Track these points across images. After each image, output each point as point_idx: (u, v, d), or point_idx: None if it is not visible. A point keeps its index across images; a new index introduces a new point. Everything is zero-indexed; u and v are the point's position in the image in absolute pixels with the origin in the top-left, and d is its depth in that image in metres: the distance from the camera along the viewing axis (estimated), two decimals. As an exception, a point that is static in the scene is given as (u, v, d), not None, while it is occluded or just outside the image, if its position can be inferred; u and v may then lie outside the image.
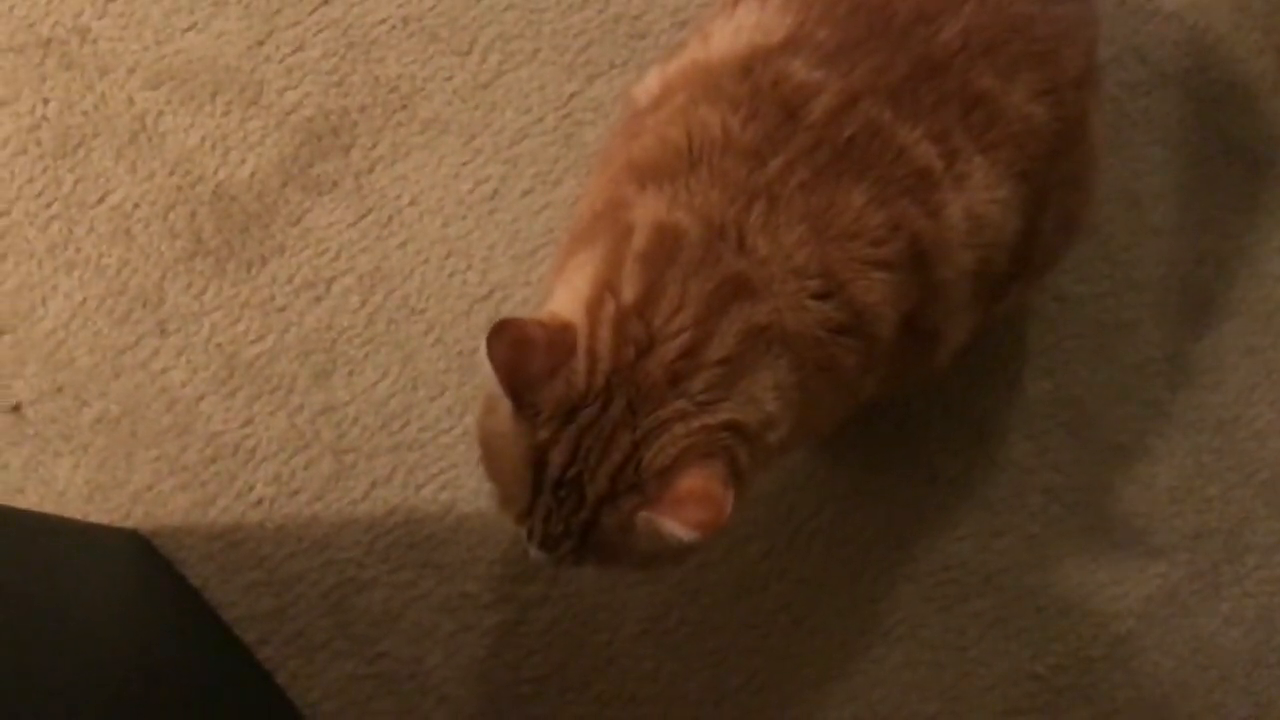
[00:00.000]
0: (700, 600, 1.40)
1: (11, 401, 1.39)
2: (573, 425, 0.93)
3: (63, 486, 1.37)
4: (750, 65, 1.06)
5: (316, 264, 1.43)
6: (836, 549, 1.42)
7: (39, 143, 1.43)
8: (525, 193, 1.46)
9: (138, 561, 1.34)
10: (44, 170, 1.42)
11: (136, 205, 1.43)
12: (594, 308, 0.96)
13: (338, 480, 1.39)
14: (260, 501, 1.38)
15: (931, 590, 1.43)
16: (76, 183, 1.43)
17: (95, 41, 1.45)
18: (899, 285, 1.03)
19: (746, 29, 1.10)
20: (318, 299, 1.42)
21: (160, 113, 1.44)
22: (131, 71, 1.45)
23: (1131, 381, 1.48)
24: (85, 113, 1.44)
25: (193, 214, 1.43)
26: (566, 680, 1.38)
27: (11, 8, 1.45)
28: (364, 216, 1.44)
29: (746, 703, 1.40)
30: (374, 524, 1.39)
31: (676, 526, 0.91)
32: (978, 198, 1.06)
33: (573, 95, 1.48)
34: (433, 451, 1.40)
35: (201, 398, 1.40)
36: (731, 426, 0.95)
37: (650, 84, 1.17)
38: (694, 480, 0.92)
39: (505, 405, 0.94)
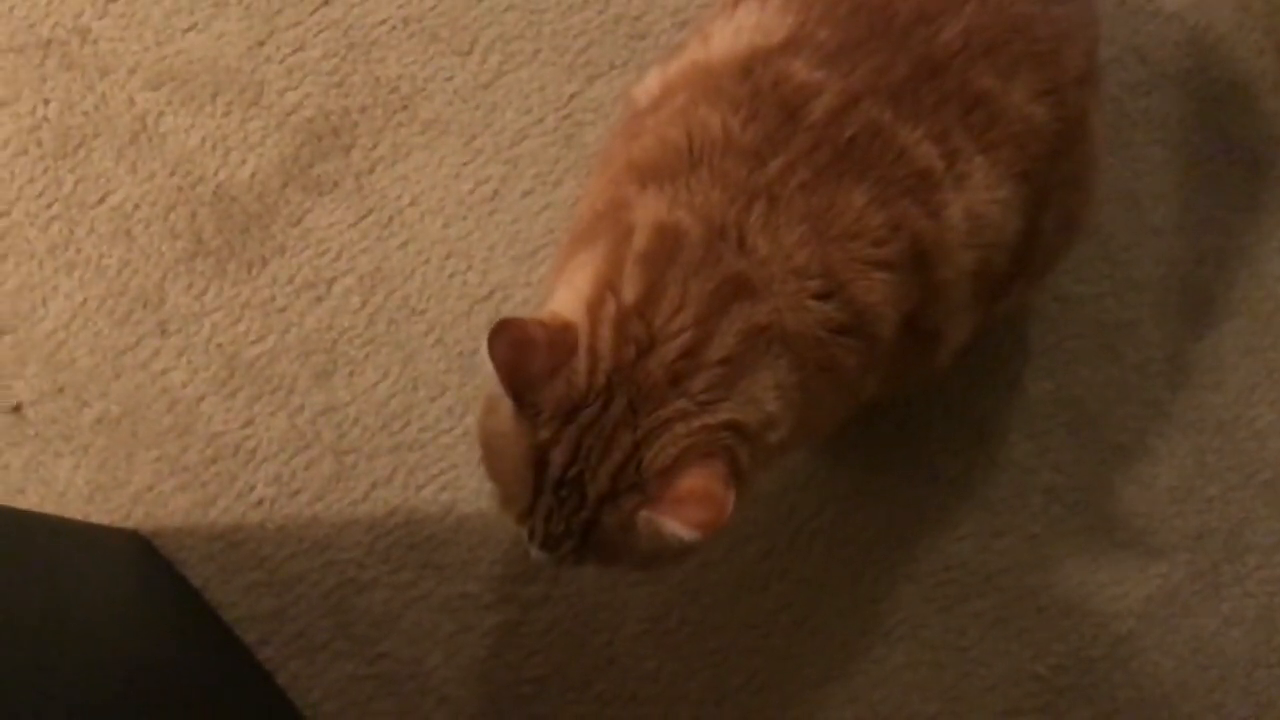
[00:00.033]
0: (701, 600, 1.40)
1: (12, 402, 1.39)
2: (574, 425, 0.93)
3: (63, 487, 1.38)
4: (751, 66, 1.06)
5: (317, 264, 1.43)
6: (837, 549, 1.42)
7: (39, 143, 1.43)
8: (526, 193, 1.46)
9: (138, 562, 1.34)
10: (44, 171, 1.43)
11: (137, 206, 1.43)
12: (595, 307, 0.96)
13: (338, 481, 1.39)
14: (261, 502, 1.38)
15: (932, 590, 1.43)
16: (77, 183, 1.43)
17: (96, 42, 1.45)
18: (900, 285, 1.03)
19: (747, 29, 1.10)
20: (318, 299, 1.42)
21: (161, 113, 1.44)
22: (132, 72, 1.45)
23: (1132, 381, 1.48)
24: (86, 113, 1.44)
25: (193, 214, 1.43)
26: (567, 680, 1.38)
27: (12, 8, 1.45)
28: (365, 217, 1.44)
29: (747, 703, 1.40)
30: (375, 524, 1.39)
31: (677, 526, 0.91)
32: (978, 198, 1.06)
33: (573, 96, 1.48)
34: (433, 452, 1.40)
35: (202, 398, 1.40)
36: (732, 426, 0.95)
37: (650, 85, 1.17)
38: (695, 480, 0.92)
39: (506, 405, 0.94)
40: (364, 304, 1.43)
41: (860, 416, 1.19)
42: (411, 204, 1.45)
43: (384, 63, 1.47)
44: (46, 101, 1.44)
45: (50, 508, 1.37)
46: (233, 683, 1.33)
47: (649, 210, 1.00)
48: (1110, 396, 1.47)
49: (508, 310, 1.43)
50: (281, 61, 1.46)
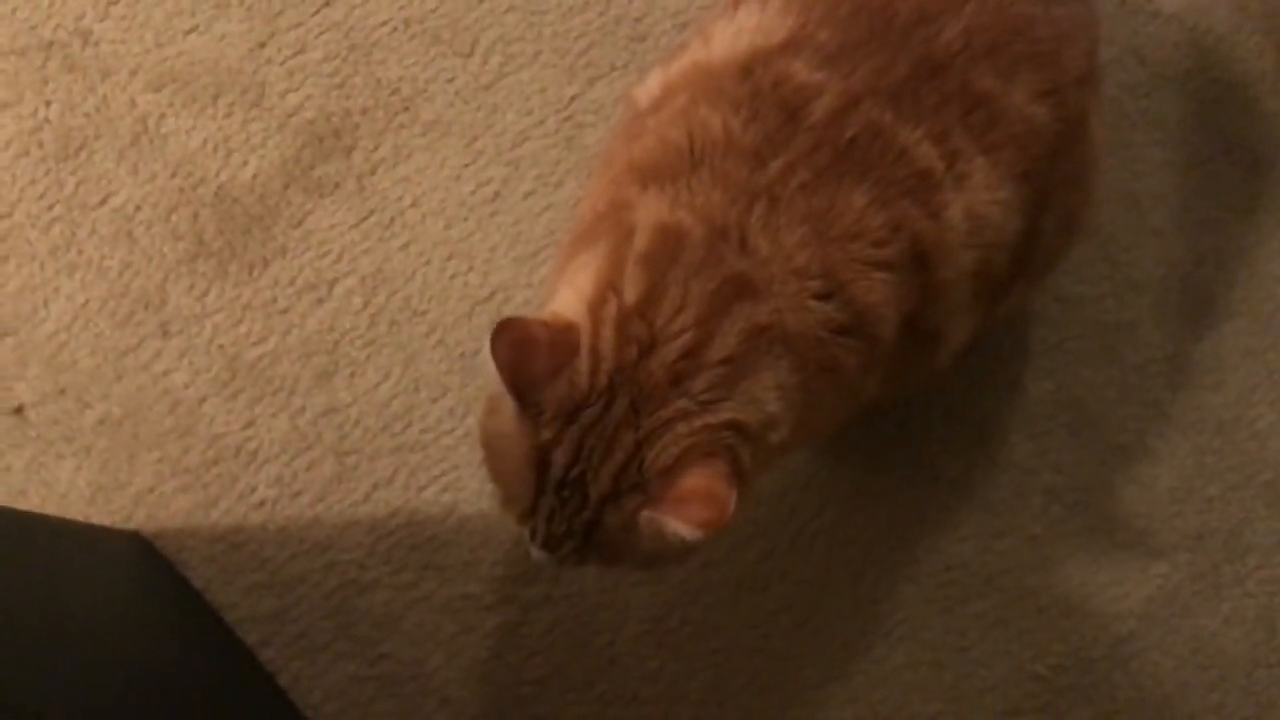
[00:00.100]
0: (702, 601, 1.40)
1: (14, 403, 1.39)
2: (575, 425, 0.94)
3: (65, 488, 1.38)
4: (751, 67, 1.06)
5: (318, 266, 1.43)
6: (838, 550, 1.42)
7: (41, 145, 1.43)
8: (527, 194, 1.46)
9: (140, 563, 1.34)
10: (46, 172, 1.43)
11: (138, 207, 1.43)
12: (597, 308, 0.96)
13: (340, 482, 1.39)
14: (262, 503, 1.39)
15: (933, 591, 1.43)
16: (78, 185, 1.43)
17: (97, 44, 1.45)
18: (900, 286, 1.03)
19: (747, 31, 1.10)
20: (320, 301, 1.43)
21: (162, 115, 1.45)
22: (133, 74, 1.45)
23: (1132, 382, 1.48)
24: (87, 115, 1.44)
25: (195, 216, 1.43)
26: (569, 681, 1.38)
27: (14, 10, 1.45)
28: (366, 218, 1.44)
29: (749, 703, 1.40)
30: (376, 525, 1.39)
31: (680, 525, 0.91)
32: (979, 198, 1.06)
33: (574, 97, 1.48)
34: (434, 453, 1.40)
35: (203, 399, 1.40)
36: (733, 426, 0.95)
37: (651, 86, 1.17)
38: (697, 479, 0.92)
39: (508, 405, 0.95)
40: (365, 305, 1.43)
41: (861, 417, 1.19)
42: (413, 205, 1.45)
43: (385, 64, 1.47)
44: (48, 103, 1.44)
45: (52, 509, 1.37)
46: (234, 684, 1.33)
47: (650, 211, 1.01)
48: (1110, 397, 1.48)
49: (509, 311, 1.43)
50: (283, 63, 1.47)
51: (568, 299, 0.99)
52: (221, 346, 1.41)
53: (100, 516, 1.37)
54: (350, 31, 1.48)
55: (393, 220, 1.45)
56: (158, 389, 1.40)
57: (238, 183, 1.44)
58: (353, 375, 1.41)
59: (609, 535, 0.96)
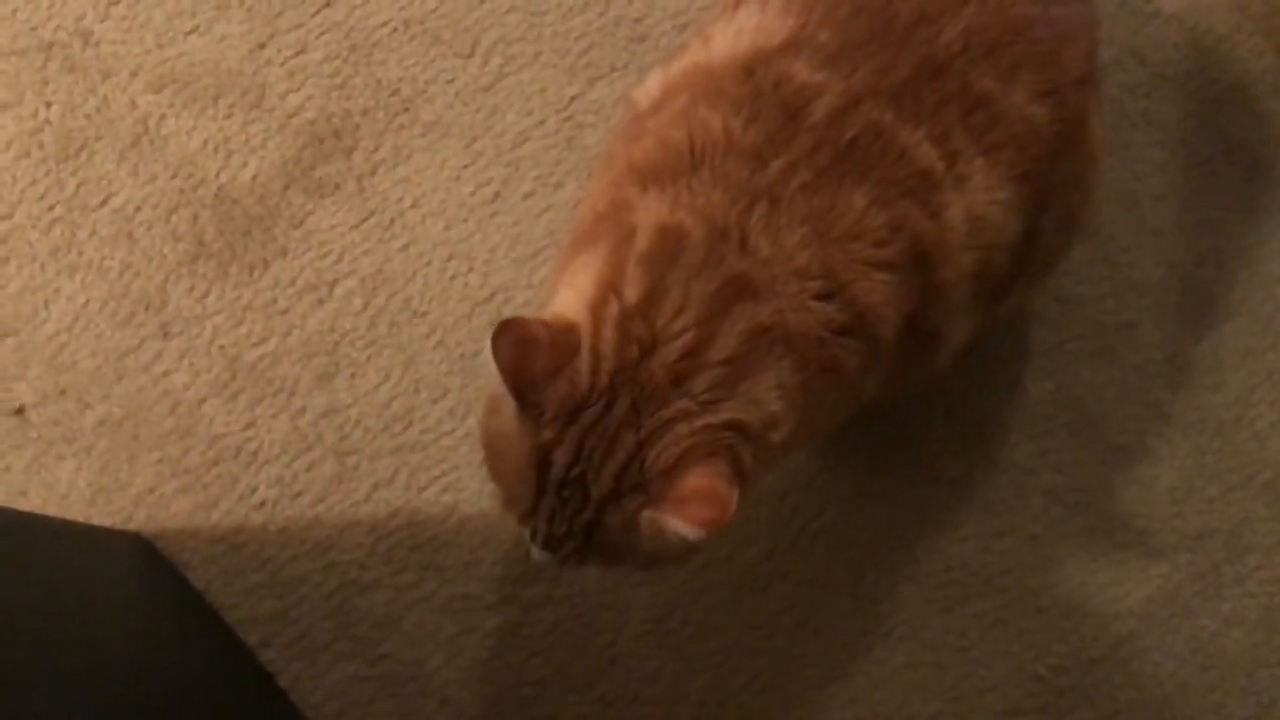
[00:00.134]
0: (703, 601, 1.40)
1: (14, 404, 1.39)
2: (576, 425, 0.94)
3: (65, 489, 1.38)
4: (752, 67, 1.06)
5: (319, 267, 1.43)
6: (839, 550, 1.42)
7: (41, 146, 1.43)
8: (527, 195, 1.46)
9: (140, 564, 1.34)
10: (46, 173, 1.43)
11: (139, 208, 1.43)
12: (597, 308, 0.96)
13: (340, 482, 1.39)
14: (263, 504, 1.39)
15: (933, 591, 1.43)
16: (79, 186, 1.43)
17: (97, 45, 1.45)
18: (901, 286, 1.03)
19: (748, 31, 1.10)
20: (320, 302, 1.43)
21: (162, 116, 1.45)
22: (134, 75, 1.45)
23: (1132, 382, 1.48)
24: (88, 116, 1.44)
25: (195, 217, 1.43)
26: (569, 681, 1.38)
27: (14, 11, 1.45)
28: (366, 219, 1.45)
29: (749, 704, 1.40)
30: (376, 526, 1.39)
31: (681, 525, 0.91)
32: (979, 199, 1.06)
33: (574, 98, 1.48)
34: (435, 453, 1.40)
35: (204, 400, 1.40)
36: (734, 426, 0.95)
37: (651, 86, 1.17)
38: (698, 479, 0.92)
39: (509, 405, 0.95)
40: (365, 306, 1.43)
41: (861, 417, 1.19)
42: (413, 206, 1.45)
43: (385, 65, 1.47)
44: (48, 104, 1.44)
45: (52, 510, 1.37)
46: (235, 684, 1.33)
47: (651, 211, 1.01)
48: (1110, 397, 1.48)
49: (509, 312, 1.42)
50: (283, 64, 1.47)
51: (568, 299, 0.99)
52: (222, 347, 1.41)
53: (101, 517, 1.37)
54: (350, 32, 1.48)
55: (393, 221, 1.45)
56: (158, 390, 1.40)
57: (238, 184, 1.44)
58: (353, 376, 1.41)
59: (610, 535, 0.96)
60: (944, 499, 1.44)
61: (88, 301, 1.41)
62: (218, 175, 1.44)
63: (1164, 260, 1.50)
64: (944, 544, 1.44)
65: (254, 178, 1.44)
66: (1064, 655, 1.43)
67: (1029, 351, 1.47)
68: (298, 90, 1.46)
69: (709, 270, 0.97)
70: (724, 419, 0.94)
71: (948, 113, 1.05)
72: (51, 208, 1.42)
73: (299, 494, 1.39)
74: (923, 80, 1.05)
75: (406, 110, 1.47)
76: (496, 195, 1.46)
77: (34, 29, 1.45)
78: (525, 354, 0.93)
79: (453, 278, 1.44)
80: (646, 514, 0.93)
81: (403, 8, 1.49)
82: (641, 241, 0.99)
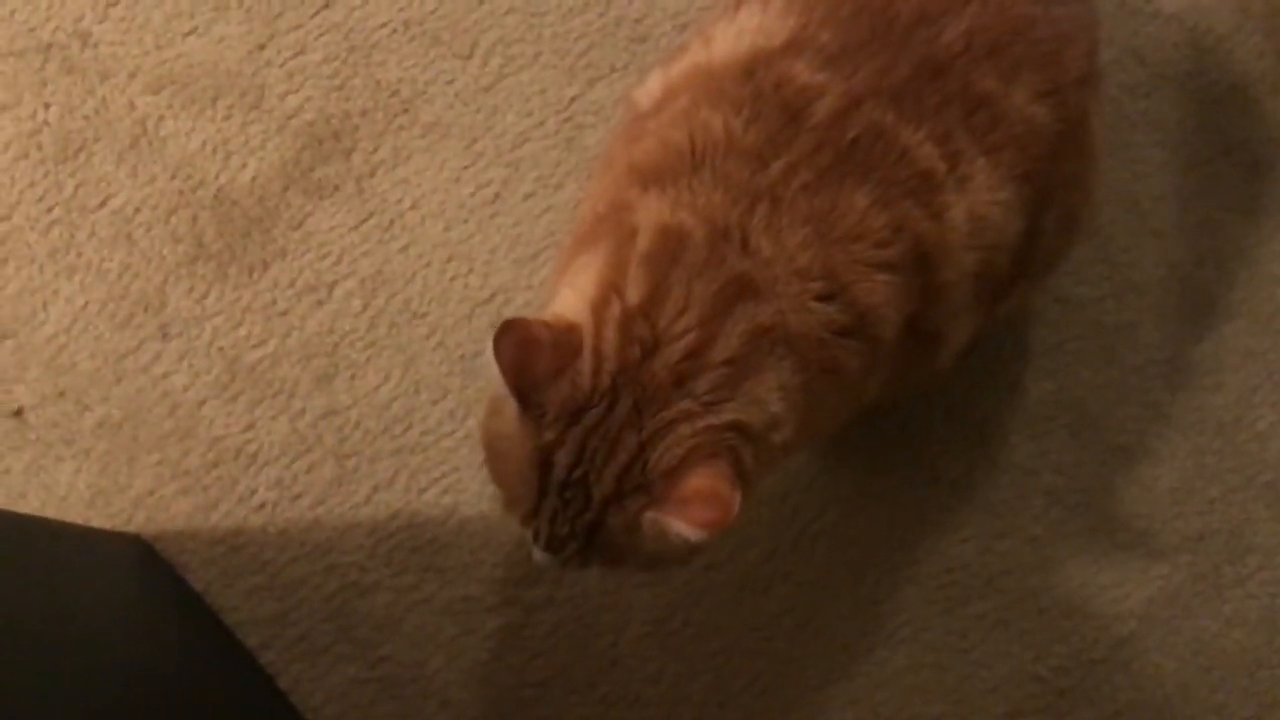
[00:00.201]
0: (704, 602, 1.40)
1: (13, 406, 1.38)
2: (578, 426, 0.93)
3: (64, 491, 1.37)
4: (753, 68, 1.06)
5: (318, 268, 1.43)
6: (840, 551, 1.42)
7: (40, 147, 1.43)
8: (527, 196, 1.46)
9: (139, 566, 1.34)
10: (45, 175, 1.42)
11: (138, 210, 1.43)
12: (599, 309, 0.96)
13: (340, 484, 1.39)
14: (262, 506, 1.38)
15: (934, 592, 1.43)
16: (78, 187, 1.43)
17: (96, 46, 1.45)
18: (902, 287, 1.03)
19: (749, 32, 1.10)
20: (319, 303, 1.42)
21: (161, 117, 1.44)
22: (132, 76, 1.45)
23: (1132, 383, 1.48)
24: (86, 117, 1.44)
25: (194, 218, 1.43)
26: (570, 683, 1.38)
27: (12, 12, 1.45)
28: (365, 220, 1.44)
29: (750, 705, 1.40)
30: (376, 528, 1.39)
31: (684, 526, 0.91)
32: (980, 199, 1.06)
33: (574, 99, 1.48)
34: (435, 455, 1.40)
35: (203, 402, 1.40)
36: (736, 427, 0.95)
37: (652, 87, 1.17)
38: (700, 480, 0.92)
39: (511, 406, 0.94)
40: (365, 307, 1.42)
41: (862, 418, 1.19)
42: (412, 207, 1.45)
43: (385, 66, 1.47)
44: (47, 105, 1.44)
45: (51, 512, 1.37)
46: (234, 687, 1.33)
47: (652, 212, 1.01)
48: (1111, 398, 1.48)
49: (509, 313, 1.42)
50: (282, 65, 1.46)
51: (570, 300, 0.99)
52: (221, 349, 1.41)
53: (100, 519, 1.37)
54: (350, 33, 1.48)
55: (392, 222, 1.45)
56: (157, 391, 1.39)
57: (237, 185, 1.44)
58: (353, 378, 1.41)
59: (612, 537, 0.96)
60: (945, 500, 1.44)
61: (87, 303, 1.40)
62: (217, 176, 1.44)
63: (1164, 261, 1.50)
64: (945, 545, 1.44)
65: (253, 179, 1.44)
66: (1065, 656, 1.43)
67: (1029, 352, 1.47)
68: (297, 91, 1.46)
69: (710, 271, 0.97)
70: (726, 420, 0.94)
71: (949, 113, 1.05)
72: (50, 209, 1.42)
73: (299, 496, 1.39)
74: (924, 80, 1.05)
75: (406, 111, 1.46)
76: (496, 196, 1.46)
77: (32, 30, 1.45)
78: (527, 355, 0.93)
79: (452, 279, 1.44)
80: (649, 515, 0.93)
81: (402, 9, 1.48)
82: (643, 242, 0.99)
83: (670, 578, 1.39)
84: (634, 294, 0.96)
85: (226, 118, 1.45)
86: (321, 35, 1.47)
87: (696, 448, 0.93)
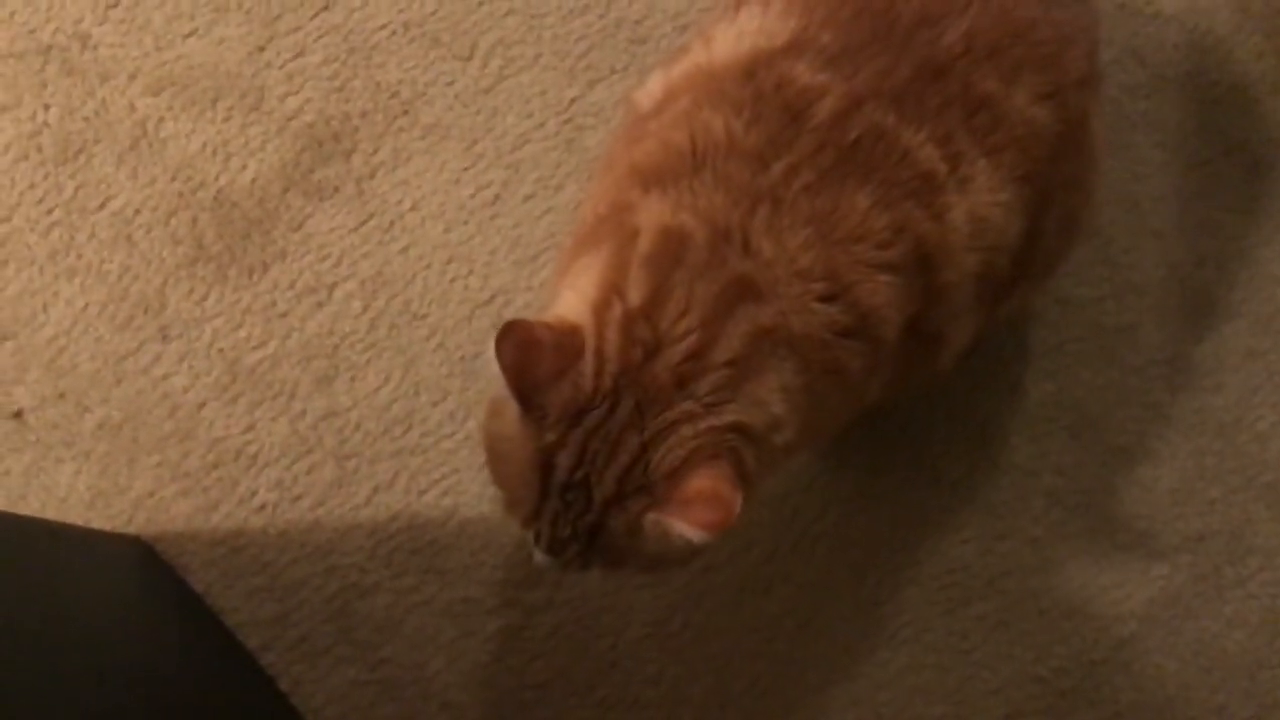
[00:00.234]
0: (704, 604, 1.40)
1: (13, 408, 1.38)
2: (580, 428, 0.93)
3: (64, 493, 1.37)
4: (753, 69, 1.06)
5: (318, 269, 1.43)
6: (840, 552, 1.42)
7: (40, 149, 1.43)
8: (527, 198, 1.46)
9: (140, 568, 1.34)
10: (45, 176, 1.42)
11: (138, 211, 1.43)
12: (601, 310, 0.96)
13: (340, 486, 1.39)
14: (262, 507, 1.38)
15: (935, 593, 1.43)
16: (77, 189, 1.42)
17: (96, 48, 1.45)
18: (903, 288, 1.03)
19: (749, 33, 1.10)
20: (319, 304, 1.42)
21: (161, 119, 1.44)
22: (132, 78, 1.45)
23: (1133, 384, 1.48)
24: (86, 119, 1.44)
25: (194, 220, 1.43)
26: (570, 685, 1.38)
27: (12, 14, 1.45)
28: (365, 222, 1.44)
29: (750, 706, 1.40)
30: (376, 529, 1.38)
31: (686, 528, 0.91)
32: (981, 201, 1.06)
33: (574, 100, 1.48)
34: (435, 456, 1.40)
35: (203, 404, 1.39)
36: (738, 428, 0.95)
37: (653, 88, 1.17)
38: (702, 481, 0.92)
39: (512, 408, 0.94)
40: (365, 309, 1.42)
41: (863, 419, 1.19)
42: (412, 209, 1.45)
43: (384, 68, 1.47)
44: (47, 107, 1.44)
45: (51, 514, 1.37)
46: (235, 688, 1.33)
47: (653, 213, 1.01)
48: (1111, 399, 1.48)
49: (509, 314, 1.42)
50: (282, 67, 1.46)
51: (571, 301, 0.99)
52: (221, 350, 1.40)
53: (100, 521, 1.37)
54: (349, 35, 1.48)
55: (392, 224, 1.44)
56: (157, 393, 1.39)
57: (237, 186, 1.44)
58: (353, 379, 1.41)
59: (613, 539, 0.95)
60: (946, 501, 1.44)
61: (87, 305, 1.40)
62: (217, 178, 1.44)
63: (1164, 262, 1.50)
64: (946, 546, 1.44)
65: (253, 181, 1.44)
66: (1066, 657, 1.43)
67: (1030, 353, 1.47)
68: (297, 93, 1.46)
69: (712, 272, 0.97)
70: (727, 421, 0.94)
71: (950, 114, 1.05)
72: (50, 211, 1.42)
73: (299, 497, 1.39)
74: (925, 82, 1.05)
75: (406, 113, 1.46)
76: (496, 198, 1.46)
77: (32, 32, 1.45)
78: (529, 356, 0.93)
79: (452, 280, 1.44)
80: (651, 516, 0.93)
81: (401, 10, 1.48)
82: (644, 243, 0.98)
83: (670, 579, 1.38)
84: (635, 295, 0.96)
85: (226, 119, 1.45)
86: (321, 37, 1.47)
87: (698, 449, 0.93)
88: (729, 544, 1.39)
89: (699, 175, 1.01)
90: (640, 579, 1.37)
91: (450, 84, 1.47)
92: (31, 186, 1.42)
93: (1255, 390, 1.49)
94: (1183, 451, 1.47)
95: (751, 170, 1.01)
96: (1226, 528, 1.47)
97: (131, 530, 1.37)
